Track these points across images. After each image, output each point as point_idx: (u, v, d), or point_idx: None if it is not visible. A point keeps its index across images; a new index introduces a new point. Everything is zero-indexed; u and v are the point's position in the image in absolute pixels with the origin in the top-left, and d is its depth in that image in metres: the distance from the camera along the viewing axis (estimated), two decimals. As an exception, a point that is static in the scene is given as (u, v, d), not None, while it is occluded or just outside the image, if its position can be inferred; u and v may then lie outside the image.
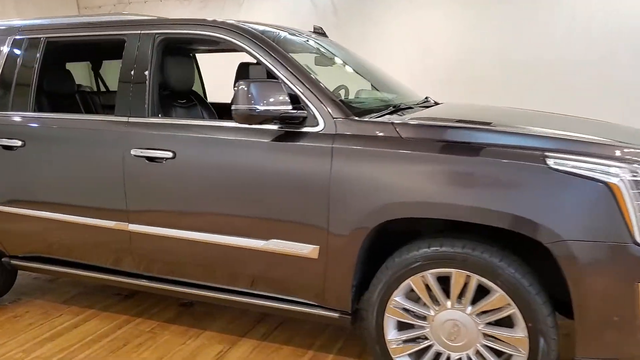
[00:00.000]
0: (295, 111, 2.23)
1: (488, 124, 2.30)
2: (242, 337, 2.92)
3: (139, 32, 2.68)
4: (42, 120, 2.89)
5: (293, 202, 2.26)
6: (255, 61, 2.46)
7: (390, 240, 2.25)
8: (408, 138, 2.11)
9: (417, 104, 2.88)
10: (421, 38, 6.41)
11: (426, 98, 3.13)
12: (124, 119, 2.64)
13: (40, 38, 2.93)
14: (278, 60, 2.36)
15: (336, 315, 2.37)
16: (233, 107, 2.20)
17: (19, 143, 2.82)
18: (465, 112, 2.86)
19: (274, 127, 2.32)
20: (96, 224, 2.71)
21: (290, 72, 2.33)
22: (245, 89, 2.16)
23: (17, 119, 2.90)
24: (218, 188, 2.40)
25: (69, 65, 3.74)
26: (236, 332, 2.98)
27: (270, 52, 2.39)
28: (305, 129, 2.28)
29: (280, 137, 2.31)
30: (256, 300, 2.51)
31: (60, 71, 3.40)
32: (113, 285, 2.97)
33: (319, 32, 3.44)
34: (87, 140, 2.71)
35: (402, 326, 2.25)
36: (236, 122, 2.27)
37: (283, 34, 2.76)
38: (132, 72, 2.64)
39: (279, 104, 2.19)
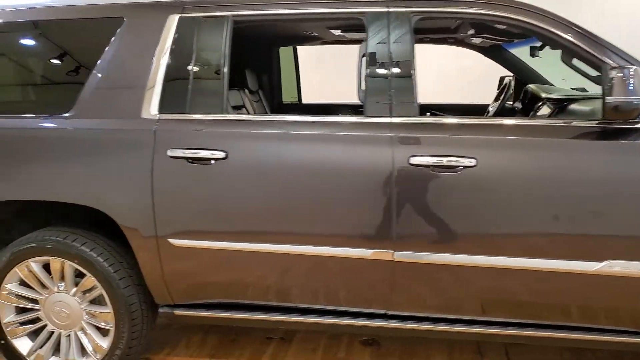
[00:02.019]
0: None
1: None
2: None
3: (386, 9, 2.14)
4: (257, 124, 2.21)
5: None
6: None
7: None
8: None
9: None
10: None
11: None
12: (384, 120, 2.08)
13: (226, 16, 2.24)
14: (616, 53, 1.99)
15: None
16: (610, 99, 1.79)
17: (221, 155, 2.12)
18: None
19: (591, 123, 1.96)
20: (336, 253, 2.11)
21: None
22: (622, 76, 1.76)
23: (209, 123, 2.19)
24: (540, 203, 1.95)
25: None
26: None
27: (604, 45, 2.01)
28: (643, 125, 1.93)
29: (616, 135, 1.94)
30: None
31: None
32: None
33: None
34: (327, 148, 2.10)
35: None
36: (610, 117, 1.86)
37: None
38: (389, 62, 2.09)
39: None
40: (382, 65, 2.11)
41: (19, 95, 2.46)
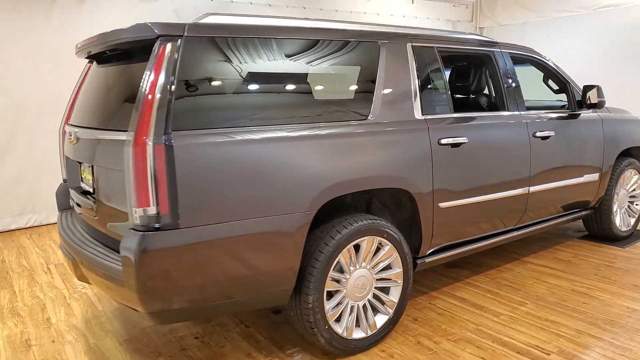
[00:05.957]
0: None
1: None
2: None
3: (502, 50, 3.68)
4: (483, 118, 3.40)
5: None
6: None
7: None
8: None
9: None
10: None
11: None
12: (511, 113, 3.62)
13: (434, 47, 3.24)
14: None
15: None
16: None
17: (465, 140, 3.18)
18: None
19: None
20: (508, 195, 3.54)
21: None
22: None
23: (455, 120, 3.21)
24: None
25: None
26: None
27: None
28: None
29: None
30: None
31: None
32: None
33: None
34: (511, 131, 3.53)
35: None
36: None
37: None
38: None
39: None
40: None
41: (330, 107, 2.72)
